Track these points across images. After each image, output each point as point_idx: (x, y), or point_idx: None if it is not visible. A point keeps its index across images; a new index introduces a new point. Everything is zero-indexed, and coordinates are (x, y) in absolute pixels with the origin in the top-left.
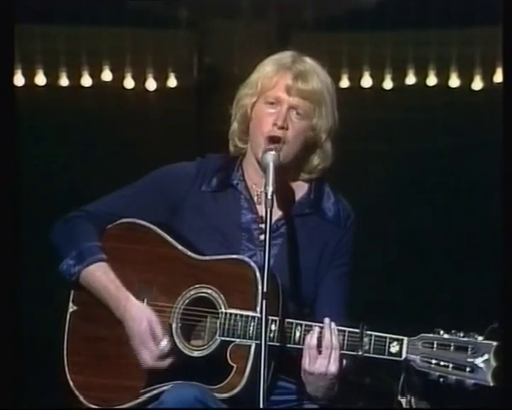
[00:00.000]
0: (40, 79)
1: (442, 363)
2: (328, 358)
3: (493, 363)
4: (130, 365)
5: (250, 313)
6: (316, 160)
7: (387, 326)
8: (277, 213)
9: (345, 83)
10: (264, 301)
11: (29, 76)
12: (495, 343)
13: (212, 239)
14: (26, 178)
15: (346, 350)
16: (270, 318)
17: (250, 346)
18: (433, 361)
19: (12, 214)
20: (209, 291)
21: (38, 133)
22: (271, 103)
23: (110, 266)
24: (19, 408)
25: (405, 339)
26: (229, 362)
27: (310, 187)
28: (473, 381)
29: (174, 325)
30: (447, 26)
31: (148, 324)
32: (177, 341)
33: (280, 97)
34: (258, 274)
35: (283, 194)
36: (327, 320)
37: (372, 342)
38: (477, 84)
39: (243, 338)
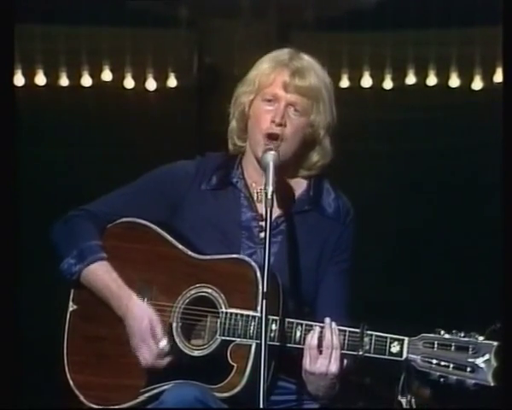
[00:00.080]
0: (40, 79)
1: (443, 363)
2: (328, 358)
3: (494, 363)
4: (131, 364)
5: (250, 313)
6: (315, 156)
7: (388, 326)
8: (277, 211)
9: (345, 83)
10: (264, 301)
11: (29, 76)
12: (496, 343)
13: (212, 238)
14: (26, 178)
15: (347, 350)
16: (271, 317)
17: (250, 346)
18: (434, 361)
19: (12, 214)
20: (209, 291)
21: (38, 133)
22: (269, 100)
23: (110, 265)
24: (19, 408)
25: (406, 339)
26: (230, 362)
27: (309, 184)
28: (473, 381)
29: (174, 325)
30: (447, 26)
31: (149, 322)
32: (177, 340)
33: (277, 94)
34: (258, 274)
35: (283, 191)
36: (327, 320)
37: (373, 341)
38: (477, 84)
39: (244, 338)
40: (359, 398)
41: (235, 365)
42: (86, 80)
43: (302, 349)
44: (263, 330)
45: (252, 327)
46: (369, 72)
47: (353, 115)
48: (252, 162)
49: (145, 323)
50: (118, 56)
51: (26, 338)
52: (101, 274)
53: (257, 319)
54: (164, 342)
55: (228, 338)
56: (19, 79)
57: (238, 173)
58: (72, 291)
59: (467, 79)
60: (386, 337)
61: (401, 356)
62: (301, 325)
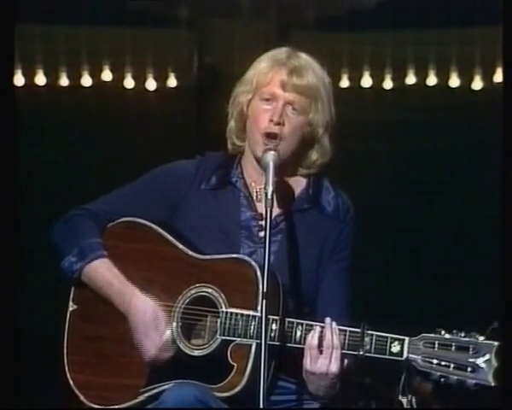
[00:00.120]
0: (40, 79)
1: (443, 363)
2: (329, 358)
3: (494, 363)
4: (131, 364)
5: (251, 313)
6: (314, 155)
7: (388, 326)
8: (276, 210)
9: (345, 83)
10: (264, 301)
11: (29, 76)
12: (496, 343)
13: (212, 237)
14: (26, 178)
15: (347, 350)
16: (271, 317)
17: (251, 345)
18: (435, 361)
19: (12, 214)
20: (210, 290)
21: (38, 133)
22: (267, 100)
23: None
24: (19, 408)
25: (406, 339)
26: (230, 361)
27: (308, 182)
28: (474, 381)
29: (175, 324)
30: (447, 26)
31: (152, 314)
32: (177, 340)
33: (275, 93)
34: (258, 273)
35: (282, 190)
36: (328, 320)
37: (373, 341)
38: (477, 84)
39: (244, 337)
40: (360, 398)
41: (235, 364)
42: (86, 80)
43: (302, 349)
44: (263, 330)
45: (252, 327)
46: (369, 72)
47: (353, 115)
48: (251, 162)
49: (148, 315)
50: (118, 56)
51: (26, 338)
52: (103, 271)
53: (257, 318)
54: (167, 335)
55: (228, 338)
56: (19, 79)
57: (237, 173)
58: (72, 291)
59: (467, 79)
60: (386, 337)
61: (402, 356)
62: (301, 324)
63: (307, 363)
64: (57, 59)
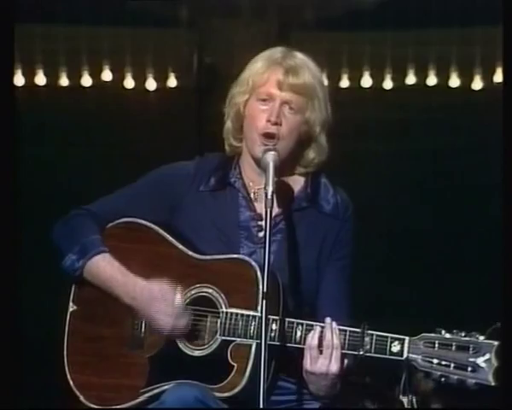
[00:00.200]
0: (40, 79)
1: (444, 363)
2: (329, 358)
3: (495, 363)
4: (131, 364)
5: (251, 313)
6: (311, 154)
7: (388, 326)
8: (275, 209)
9: (345, 83)
10: (264, 302)
11: (29, 76)
12: (496, 343)
13: (211, 238)
14: (26, 178)
15: (348, 350)
16: (271, 317)
17: (251, 345)
18: (435, 361)
19: (12, 214)
20: (210, 291)
21: (38, 133)
22: (264, 100)
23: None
24: (19, 408)
25: (407, 339)
26: (230, 362)
27: (306, 181)
28: (474, 381)
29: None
30: (447, 26)
31: (159, 288)
32: (177, 340)
33: (272, 93)
34: (258, 273)
35: (280, 189)
36: (328, 320)
37: (373, 341)
38: (477, 84)
39: (244, 338)
40: (360, 398)
41: (235, 365)
42: (86, 80)
43: (302, 349)
44: (263, 330)
45: (252, 327)
46: (369, 72)
47: (353, 115)
48: (249, 162)
49: (155, 290)
50: (118, 56)
51: (27, 338)
52: (105, 265)
53: (257, 318)
54: (177, 300)
55: (228, 338)
56: (19, 79)
57: (236, 173)
58: (72, 292)
59: (467, 79)
60: (386, 337)
61: (402, 356)
62: (302, 324)
63: (307, 363)
64: (57, 59)
